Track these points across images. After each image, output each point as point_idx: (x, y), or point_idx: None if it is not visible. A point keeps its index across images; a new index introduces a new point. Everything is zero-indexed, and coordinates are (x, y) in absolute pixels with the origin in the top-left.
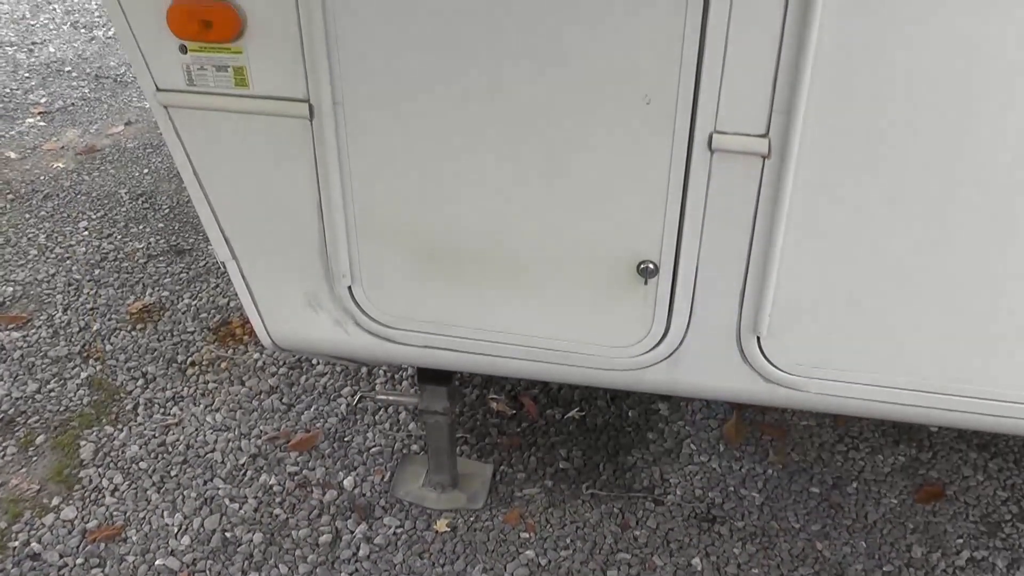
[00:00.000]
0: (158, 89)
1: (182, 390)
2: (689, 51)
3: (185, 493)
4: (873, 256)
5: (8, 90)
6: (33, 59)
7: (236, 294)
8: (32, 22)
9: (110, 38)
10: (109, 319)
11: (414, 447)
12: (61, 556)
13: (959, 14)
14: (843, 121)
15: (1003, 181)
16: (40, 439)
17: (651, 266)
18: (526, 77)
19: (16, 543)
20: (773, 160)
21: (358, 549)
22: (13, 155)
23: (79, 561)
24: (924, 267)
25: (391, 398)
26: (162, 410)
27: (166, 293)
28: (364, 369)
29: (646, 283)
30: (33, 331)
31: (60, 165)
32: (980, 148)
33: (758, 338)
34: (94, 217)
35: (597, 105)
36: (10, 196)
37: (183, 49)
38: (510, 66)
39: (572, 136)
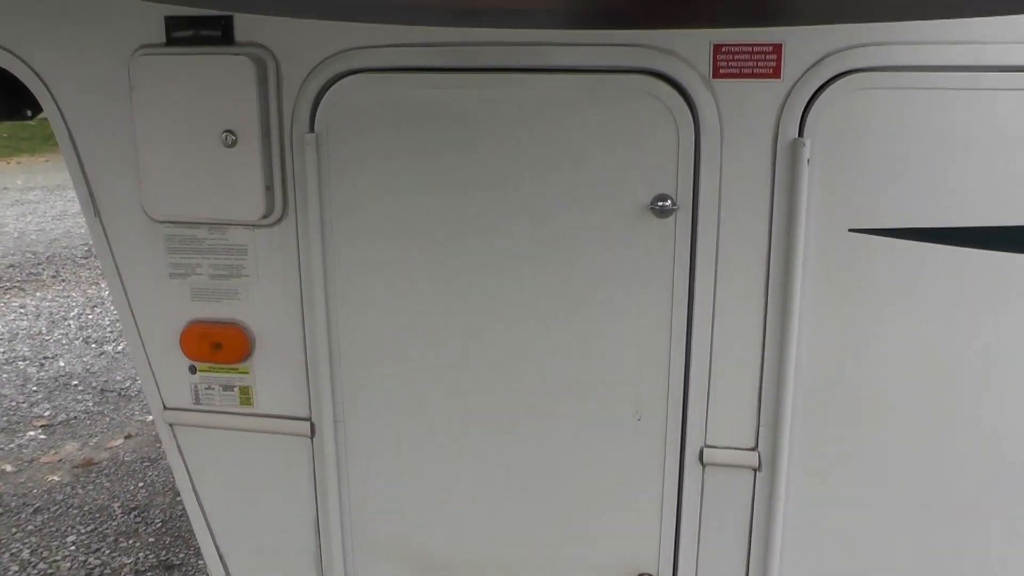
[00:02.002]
0: (165, 408)
1: None
2: (676, 368)
3: None
4: (872, 552)
5: (14, 403)
6: (43, 373)
7: None
8: (47, 337)
9: (119, 353)
10: None
11: None
12: None
13: (931, 314)
14: (829, 428)
15: (980, 472)
16: None
17: None
18: (522, 398)
19: None
20: (764, 472)
21: None
22: (9, 468)
23: None
24: (926, 562)
25: None
26: None
27: None
28: None
29: None
30: None
31: (55, 478)
32: (959, 443)
33: None
34: (83, 531)
35: (590, 424)
36: None
37: (192, 369)
38: (506, 390)
39: (566, 452)
